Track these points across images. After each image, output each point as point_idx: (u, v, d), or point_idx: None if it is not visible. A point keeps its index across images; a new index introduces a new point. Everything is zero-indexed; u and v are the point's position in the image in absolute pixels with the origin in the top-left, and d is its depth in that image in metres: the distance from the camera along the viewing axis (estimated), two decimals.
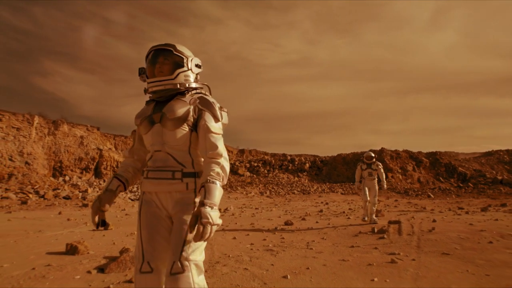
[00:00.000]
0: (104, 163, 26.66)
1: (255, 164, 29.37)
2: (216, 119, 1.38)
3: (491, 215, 6.91)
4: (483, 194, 19.91)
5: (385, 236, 4.57)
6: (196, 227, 1.15)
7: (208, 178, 1.26)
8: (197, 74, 1.53)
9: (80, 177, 24.37)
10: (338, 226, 6.00)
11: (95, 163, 26.92)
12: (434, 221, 5.66)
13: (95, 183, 18.90)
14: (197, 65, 1.51)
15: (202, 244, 1.33)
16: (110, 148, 28.83)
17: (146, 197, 1.43)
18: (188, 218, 1.30)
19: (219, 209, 1.24)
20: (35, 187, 15.20)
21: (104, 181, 21.77)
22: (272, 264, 3.17)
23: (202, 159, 1.42)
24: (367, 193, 6.42)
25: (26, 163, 26.01)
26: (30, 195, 13.42)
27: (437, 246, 3.87)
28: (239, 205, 12.77)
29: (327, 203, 12.94)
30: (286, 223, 6.53)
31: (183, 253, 1.27)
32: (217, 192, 1.24)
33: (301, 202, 14.12)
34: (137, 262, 1.34)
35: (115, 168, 27.14)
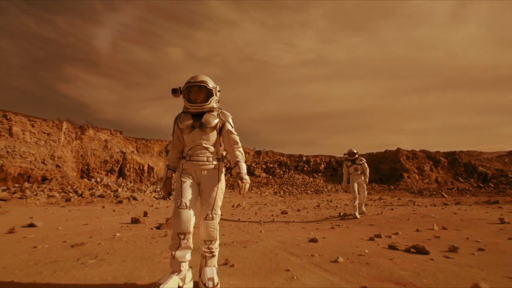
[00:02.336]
0: (128, 165, 29.90)
1: (271, 165, 31.60)
2: (232, 126, 2.45)
3: (451, 207, 8.90)
4: (503, 193, 20.75)
5: (345, 218, 6.81)
6: (241, 184, 2.28)
7: (237, 159, 2.39)
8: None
9: (104, 178, 27.51)
10: (322, 214, 8.24)
11: (119, 165, 30.22)
12: (392, 209, 7.81)
13: (123, 184, 21.89)
14: (219, 91, 2.47)
15: (220, 205, 2.35)
16: (132, 151, 32.16)
17: (185, 171, 2.36)
18: (214, 187, 2.32)
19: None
20: (74, 187, 18.28)
21: (130, 182, 24.76)
22: (256, 228, 5.54)
23: (223, 150, 2.49)
24: (356, 189, 7.14)
25: (57, 166, 29.70)
26: (71, 194, 16.44)
27: (372, 221, 6.09)
28: (252, 202, 15.13)
29: (330, 201, 15.08)
30: (282, 213, 8.83)
31: (213, 209, 2.30)
32: (244, 166, 2.38)
33: (309, 200, 16.31)
34: (177, 202, 2.20)
35: (138, 170, 30.33)
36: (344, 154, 7.81)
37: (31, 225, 5.43)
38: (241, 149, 2.47)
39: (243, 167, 2.36)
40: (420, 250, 3.43)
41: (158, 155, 33.80)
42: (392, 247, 3.64)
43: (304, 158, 33.00)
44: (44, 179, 26.37)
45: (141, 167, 30.14)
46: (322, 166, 30.36)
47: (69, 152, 30.87)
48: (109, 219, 7.58)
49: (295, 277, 2.43)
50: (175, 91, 2.40)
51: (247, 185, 2.30)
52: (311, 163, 31.17)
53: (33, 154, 28.47)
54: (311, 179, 28.60)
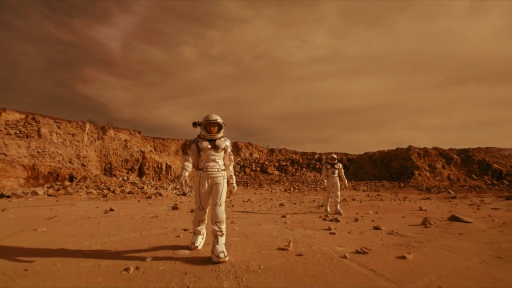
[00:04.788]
0: (147, 164, 34.24)
1: (284, 163, 35.14)
2: (231, 149, 4.08)
3: (411, 201, 12.24)
4: None
5: (319, 208, 10.35)
6: (231, 189, 4.20)
7: (231, 173, 4.14)
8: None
9: (130, 176, 31.79)
10: (309, 207, 11.77)
11: (139, 164, 34.58)
12: (360, 202, 11.26)
13: (147, 181, 26.05)
14: (224, 125, 3.93)
15: (224, 197, 3.82)
16: (151, 150, 36.51)
17: (202, 179, 3.78)
18: (221, 188, 3.79)
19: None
20: (107, 185, 22.51)
21: (153, 179, 28.94)
22: (255, 213, 9.16)
23: (225, 163, 4.00)
24: (331, 189, 9.49)
25: (82, 165, 34.39)
26: (105, 191, 20.61)
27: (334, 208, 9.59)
28: (261, 198, 18.76)
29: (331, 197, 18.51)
30: (280, 205, 12.39)
31: (220, 198, 3.75)
32: (235, 178, 4.25)
33: (312, 196, 19.77)
34: (197, 205, 3.86)
35: (156, 169, 34.63)
36: (326, 158, 11.14)
37: (111, 210, 9.27)
38: (233, 164, 4.21)
39: (234, 179, 4.19)
40: (336, 220, 6.96)
41: (175, 154, 38.03)
42: (324, 219, 7.19)
43: (316, 156, 36.30)
44: (71, 177, 30.96)
45: (160, 166, 34.35)
46: None
47: (92, 152, 35.53)
48: (153, 208, 11.39)
49: (260, 225, 6.06)
50: (195, 124, 3.85)
51: (234, 191, 4.21)
52: (323, 161, 34.42)
53: (60, 154, 33.20)
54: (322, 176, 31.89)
